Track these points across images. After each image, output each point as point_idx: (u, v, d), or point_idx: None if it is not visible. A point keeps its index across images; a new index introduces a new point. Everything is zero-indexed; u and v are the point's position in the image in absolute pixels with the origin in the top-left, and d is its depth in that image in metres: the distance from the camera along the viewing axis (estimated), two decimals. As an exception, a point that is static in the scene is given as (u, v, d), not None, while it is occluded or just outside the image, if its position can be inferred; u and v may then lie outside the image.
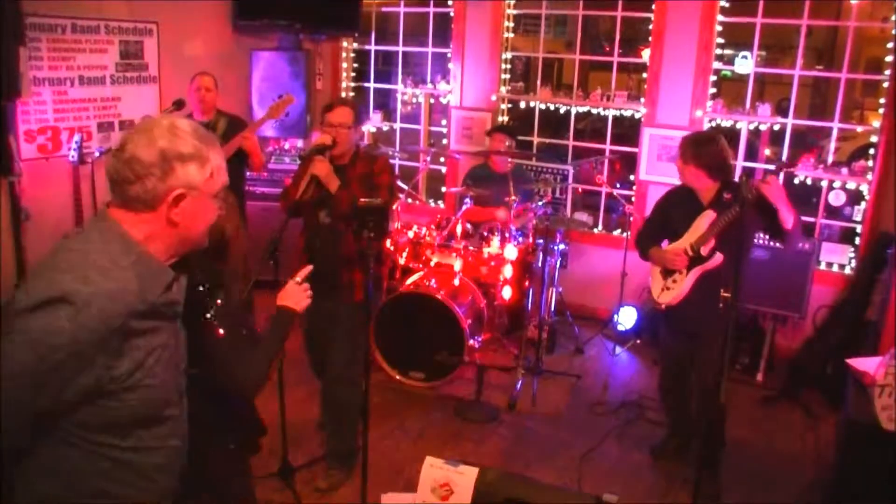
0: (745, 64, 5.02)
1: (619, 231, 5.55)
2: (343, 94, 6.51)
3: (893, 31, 4.52)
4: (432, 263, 4.68)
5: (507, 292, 4.65)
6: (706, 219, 3.28)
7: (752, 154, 5.27)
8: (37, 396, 1.35)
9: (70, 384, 1.36)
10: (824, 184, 4.78)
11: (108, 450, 1.47)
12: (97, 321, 1.36)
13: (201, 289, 2.03)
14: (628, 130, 5.82)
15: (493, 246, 4.64)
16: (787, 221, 3.06)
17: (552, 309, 4.95)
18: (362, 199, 2.73)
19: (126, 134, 1.50)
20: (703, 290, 3.27)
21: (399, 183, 5.05)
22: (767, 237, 4.13)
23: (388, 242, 4.61)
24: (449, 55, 5.93)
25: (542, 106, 5.70)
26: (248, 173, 4.84)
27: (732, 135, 4.87)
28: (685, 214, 3.37)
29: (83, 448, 1.44)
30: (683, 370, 3.54)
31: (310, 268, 2.24)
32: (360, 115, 3.25)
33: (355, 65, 6.59)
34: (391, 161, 4.75)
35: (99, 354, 1.37)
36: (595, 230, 5.63)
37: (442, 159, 6.02)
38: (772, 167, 3.65)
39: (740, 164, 5.05)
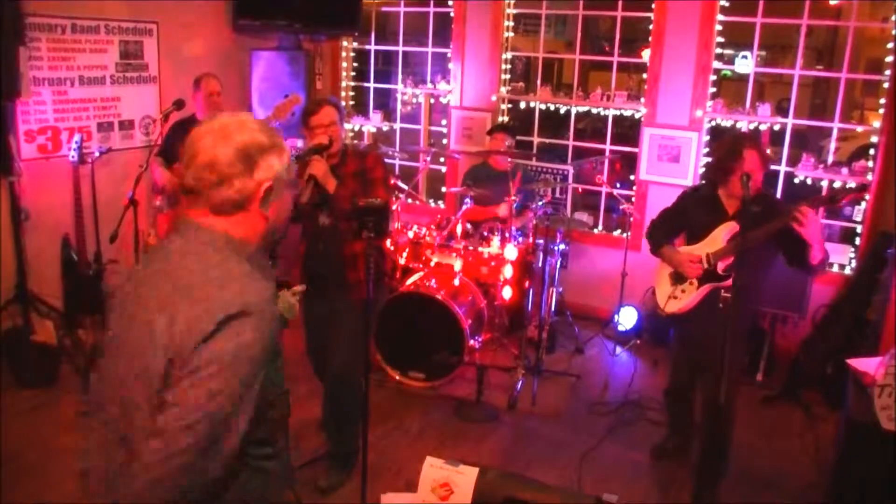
0: (745, 64, 5.02)
1: (619, 231, 5.55)
2: (341, 94, 6.51)
3: (893, 31, 4.52)
4: (432, 263, 4.68)
5: (507, 292, 4.65)
6: (727, 230, 3.13)
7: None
8: (244, 417, 1.34)
9: (254, 396, 1.35)
10: (824, 184, 4.78)
11: (249, 459, 1.44)
12: (270, 326, 1.36)
13: None
14: (628, 130, 5.82)
15: (493, 246, 4.64)
16: (815, 258, 2.90)
17: (552, 309, 4.95)
18: (362, 199, 2.73)
19: (191, 140, 1.42)
20: (712, 303, 3.17)
21: (399, 183, 5.05)
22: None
23: (388, 242, 4.61)
24: (449, 55, 5.93)
25: (543, 106, 5.69)
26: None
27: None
28: (706, 219, 3.21)
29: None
30: (690, 378, 3.52)
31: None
32: (342, 110, 3.26)
33: (355, 64, 6.59)
34: (385, 158, 4.75)
35: (267, 361, 1.38)
36: (595, 230, 5.63)
37: (442, 159, 6.02)
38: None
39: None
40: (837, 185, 4.75)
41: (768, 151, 5.28)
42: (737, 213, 3.13)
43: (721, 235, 3.16)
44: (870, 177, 4.63)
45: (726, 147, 3.11)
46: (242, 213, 1.43)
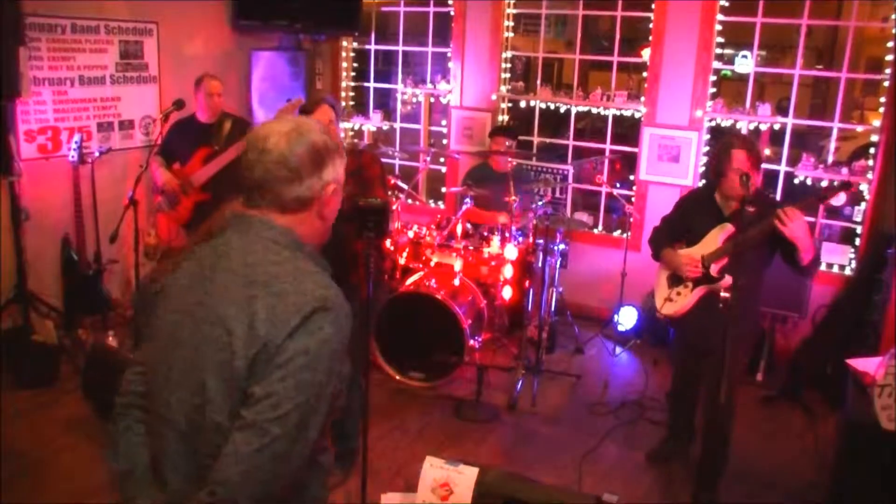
0: (746, 63, 5.01)
1: (619, 231, 5.55)
2: (341, 94, 6.51)
3: (893, 31, 4.52)
4: (432, 263, 4.68)
5: (507, 292, 4.65)
6: (723, 232, 3.15)
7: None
8: (323, 408, 1.37)
9: (331, 388, 1.38)
10: (824, 184, 4.77)
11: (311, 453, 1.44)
12: (346, 321, 1.39)
13: None
14: (628, 130, 5.82)
15: (494, 246, 4.64)
16: (804, 259, 2.92)
17: (552, 309, 4.95)
18: (362, 200, 2.73)
19: (257, 137, 1.43)
20: (708, 307, 3.18)
21: (399, 183, 5.05)
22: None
23: (388, 242, 4.61)
24: (449, 55, 5.93)
25: (543, 105, 5.69)
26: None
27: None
28: (703, 221, 3.24)
29: None
30: (693, 381, 3.52)
31: None
32: (339, 112, 3.26)
33: (355, 64, 6.59)
34: (385, 158, 4.75)
35: (344, 354, 1.41)
36: (595, 230, 5.63)
37: (442, 159, 6.02)
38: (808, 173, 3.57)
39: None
40: (836, 184, 4.74)
41: (767, 152, 5.34)
42: (732, 214, 3.14)
43: (717, 237, 3.17)
44: (870, 176, 4.63)
45: (717, 148, 3.17)
46: (306, 212, 1.46)
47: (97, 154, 4.56)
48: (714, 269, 3.15)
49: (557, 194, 5.58)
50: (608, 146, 5.54)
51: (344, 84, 6.56)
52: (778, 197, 4.95)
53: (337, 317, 1.36)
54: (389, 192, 4.69)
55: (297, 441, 1.33)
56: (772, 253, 3.12)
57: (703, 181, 4.77)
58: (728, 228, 3.13)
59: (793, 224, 2.83)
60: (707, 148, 5.08)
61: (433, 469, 1.86)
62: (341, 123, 3.58)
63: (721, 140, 3.24)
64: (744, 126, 4.97)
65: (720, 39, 4.97)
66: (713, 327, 3.01)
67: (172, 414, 1.40)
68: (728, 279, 3.08)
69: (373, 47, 6.42)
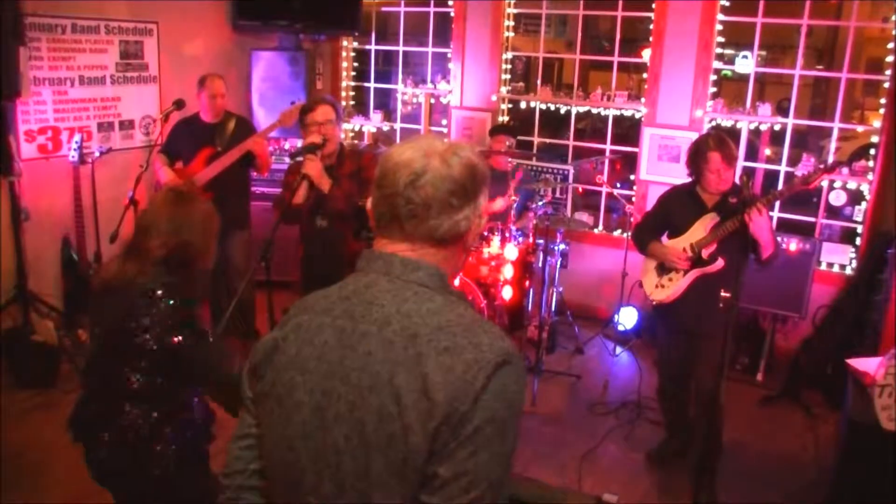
0: (746, 64, 5.01)
1: (619, 231, 5.55)
2: (341, 94, 6.51)
3: (893, 31, 4.52)
4: (432, 263, 4.67)
5: (507, 292, 4.65)
6: (708, 221, 3.30)
7: (752, 154, 5.27)
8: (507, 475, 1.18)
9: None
10: (825, 184, 4.77)
11: None
12: (525, 372, 1.22)
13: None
14: (628, 130, 5.82)
15: (494, 246, 4.64)
16: (764, 253, 3.11)
17: (552, 309, 4.95)
18: (362, 200, 2.73)
19: (412, 155, 1.20)
20: (699, 290, 3.30)
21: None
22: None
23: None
24: (449, 55, 5.93)
25: (543, 106, 5.69)
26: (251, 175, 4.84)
27: (732, 135, 4.86)
28: (687, 214, 3.38)
29: None
30: (682, 373, 3.54)
31: None
32: (339, 109, 3.25)
33: (355, 64, 6.58)
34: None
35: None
36: (595, 230, 5.63)
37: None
38: (792, 170, 3.61)
39: (741, 163, 5.04)
40: (837, 185, 4.75)
41: (767, 152, 5.33)
42: (716, 205, 3.32)
43: (703, 226, 3.32)
44: (870, 176, 4.63)
45: (692, 150, 3.34)
46: (458, 245, 1.26)
47: (97, 154, 4.55)
48: (705, 254, 3.30)
49: (557, 194, 5.58)
50: (608, 146, 5.54)
51: (344, 84, 6.56)
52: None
53: (518, 370, 1.16)
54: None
55: None
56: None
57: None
58: (713, 217, 3.30)
59: (755, 222, 3.00)
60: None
61: (433, 469, 1.86)
62: (342, 124, 3.59)
63: (696, 142, 3.38)
64: (744, 126, 4.97)
65: (720, 39, 4.97)
66: (706, 310, 3.16)
67: (322, 499, 1.18)
68: (721, 262, 3.25)
69: (373, 47, 6.42)
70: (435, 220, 1.19)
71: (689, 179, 3.43)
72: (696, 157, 3.27)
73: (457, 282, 4.46)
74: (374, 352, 1.14)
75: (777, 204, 4.77)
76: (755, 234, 3.01)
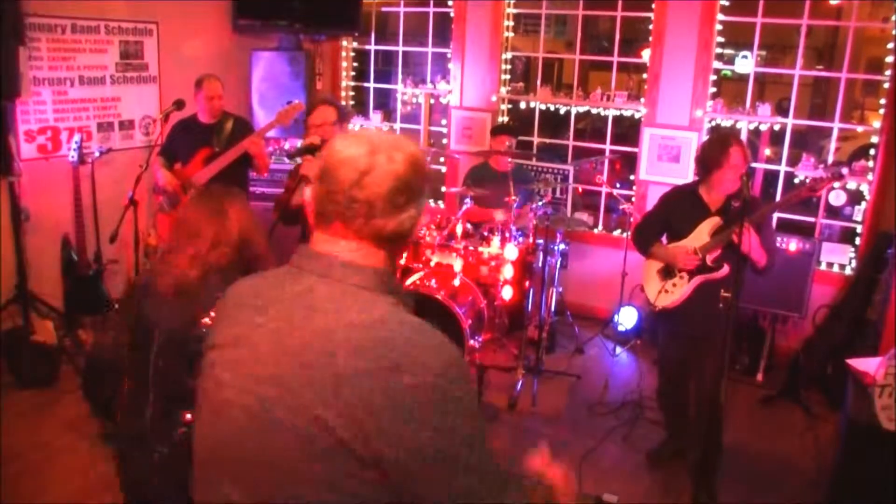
0: (746, 63, 5.01)
1: (619, 231, 5.55)
2: (341, 94, 6.51)
3: (893, 31, 4.52)
4: (432, 263, 4.68)
5: (507, 292, 4.65)
6: (711, 225, 3.26)
7: (752, 154, 5.26)
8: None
9: None
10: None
11: None
12: (467, 380, 1.18)
13: None
14: (628, 130, 5.82)
15: (494, 246, 4.64)
16: (757, 265, 3.13)
17: (552, 309, 4.95)
18: None
19: (358, 151, 1.16)
20: (701, 293, 3.26)
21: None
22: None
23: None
24: (449, 55, 5.93)
25: (543, 106, 5.69)
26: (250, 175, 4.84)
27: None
28: (689, 217, 3.33)
29: None
30: (682, 374, 3.53)
31: None
32: (343, 113, 3.24)
33: (355, 64, 6.58)
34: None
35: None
36: (595, 230, 5.63)
37: (442, 159, 6.02)
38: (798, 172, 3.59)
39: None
40: (837, 185, 4.74)
41: (767, 152, 5.34)
42: (719, 208, 3.28)
43: (705, 230, 3.28)
44: (870, 176, 4.63)
45: (708, 148, 3.27)
46: (399, 245, 1.22)
47: (97, 154, 4.55)
48: (709, 259, 3.26)
49: (557, 194, 5.58)
50: (608, 146, 5.54)
51: (344, 84, 6.56)
52: (778, 197, 4.97)
53: (457, 381, 1.12)
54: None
55: None
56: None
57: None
58: (716, 222, 3.26)
59: (744, 243, 2.97)
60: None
61: (433, 469, 1.85)
62: (347, 124, 3.59)
63: (717, 136, 3.34)
64: (744, 126, 4.98)
65: (720, 39, 4.97)
66: (710, 314, 3.11)
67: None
68: (726, 268, 3.21)
69: (373, 47, 6.42)
70: (380, 219, 1.16)
71: (690, 180, 3.40)
72: (715, 153, 3.16)
73: (456, 281, 4.47)
74: (317, 364, 1.10)
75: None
76: (745, 252, 3.00)
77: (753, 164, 5.12)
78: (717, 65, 5.00)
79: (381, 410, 1.06)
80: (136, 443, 2.12)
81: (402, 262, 4.73)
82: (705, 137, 5.09)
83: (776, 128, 4.95)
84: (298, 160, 3.16)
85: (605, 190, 5.47)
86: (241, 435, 1.15)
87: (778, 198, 4.96)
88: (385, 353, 1.09)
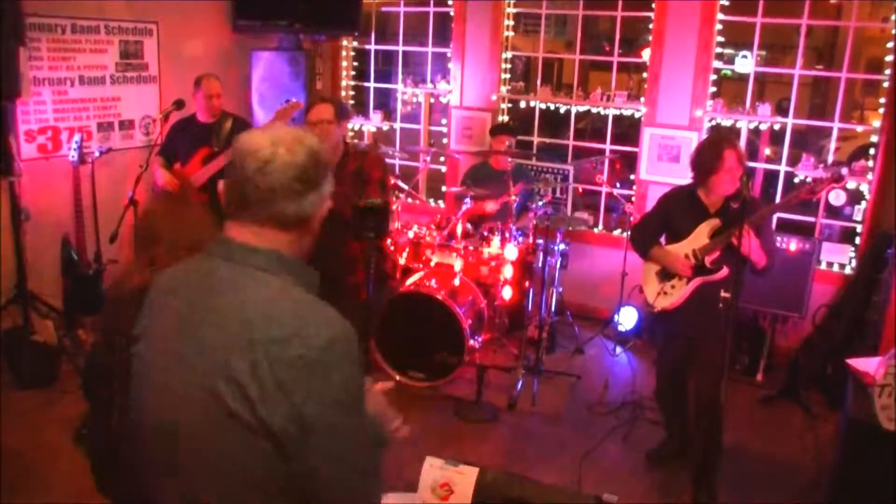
0: (746, 63, 5.01)
1: (619, 231, 5.55)
2: (341, 93, 6.51)
3: (893, 31, 4.52)
4: (432, 263, 4.68)
5: (507, 292, 4.65)
6: (710, 226, 3.24)
7: (752, 154, 5.27)
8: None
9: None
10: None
11: None
12: (356, 344, 1.28)
13: None
14: (628, 130, 5.82)
15: (494, 246, 4.64)
16: (756, 266, 3.13)
17: (552, 309, 4.95)
18: (363, 200, 2.73)
19: (261, 143, 1.28)
20: (700, 295, 3.25)
21: (399, 183, 5.05)
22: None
23: (388, 242, 4.60)
24: (449, 55, 5.93)
25: (543, 106, 5.69)
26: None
27: (732, 135, 4.87)
28: (688, 219, 3.31)
29: None
30: (681, 375, 3.53)
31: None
32: (343, 111, 3.22)
33: (355, 64, 6.59)
34: (385, 158, 4.74)
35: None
36: (595, 230, 5.63)
37: (442, 159, 6.02)
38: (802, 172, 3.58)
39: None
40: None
41: (767, 152, 5.34)
42: (718, 210, 3.27)
43: (704, 232, 3.27)
44: (870, 176, 4.63)
45: (702, 150, 3.26)
46: (303, 229, 1.33)
47: (97, 154, 4.55)
48: (708, 261, 3.25)
49: (557, 194, 5.58)
50: (608, 146, 5.54)
51: (344, 84, 6.56)
52: (778, 197, 4.97)
53: (345, 351, 1.24)
54: (390, 193, 4.69)
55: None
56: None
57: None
58: (715, 223, 3.25)
59: (743, 245, 2.96)
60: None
61: (433, 469, 1.86)
62: (347, 122, 3.56)
63: (709, 140, 3.34)
64: (744, 126, 4.98)
65: (720, 39, 4.97)
66: (707, 316, 3.11)
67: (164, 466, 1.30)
68: (725, 270, 3.20)
69: (373, 47, 6.42)
70: (281, 204, 1.27)
71: (689, 181, 3.38)
72: (709, 156, 3.16)
73: (456, 281, 4.47)
74: (209, 338, 1.22)
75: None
76: (745, 254, 2.99)
77: (754, 164, 5.12)
78: (717, 64, 5.00)
79: (265, 378, 1.17)
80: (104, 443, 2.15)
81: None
82: (704, 137, 5.10)
83: (776, 128, 4.95)
84: None
85: (605, 190, 5.47)
86: (151, 410, 1.30)
87: (778, 198, 4.97)
88: (274, 326, 1.20)
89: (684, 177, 5.01)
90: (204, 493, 1.25)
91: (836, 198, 4.76)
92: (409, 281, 4.52)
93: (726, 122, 5.00)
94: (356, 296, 3.20)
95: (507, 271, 4.59)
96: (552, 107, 5.67)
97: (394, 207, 4.69)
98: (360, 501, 1.28)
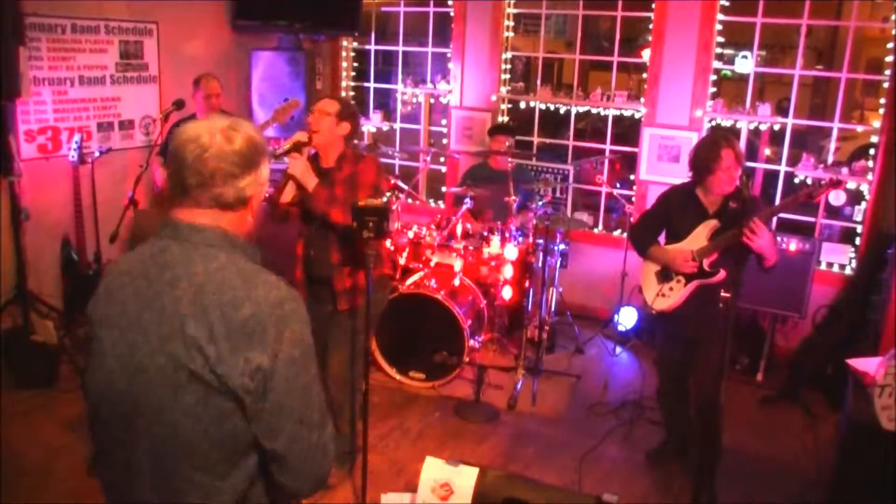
0: (746, 63, 5.01)
1: (619, 231, 5.55)
2: (341, 93, 6.50)
3: (893, 31, 4.52)
4: (432, 263, 4.68)
5: (507, 292, 4.65)
6: (709, 228, 3.22)
7: (752, 154, 5.27)
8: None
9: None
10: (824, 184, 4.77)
11: None
12: (302, 311, 1.42)
13: None
14: (628, 130, 5.82)
15: (493, 246, 4.64)
16: (767, 262, 3.07)
17: (552, 309, 4.95)
18: (362, 200, 2.73)
19: (198, 132, 1.39)
20: (699, 297, 3.24)
21: (399, 183, 5.05)
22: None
23: (388, 243, 4.60)
24: (449, 55, 5.93)
25: (542, 106, 5.69)
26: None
27: (732, 135, 4.86)
28: (687, 219, 3.30)
29: None
30: (681, 375, 3.52)
31: None
32: (347, 112, 3.18)
33: (355, 64, 6.59)
34: (385, 158, 4.73)
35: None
36: (595, 230, 5.63)
37: (442, 159, 6.02)
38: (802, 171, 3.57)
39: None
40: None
41: (767, 152, 5.34)
42: (717, 211, 3.24)
43: (703, 233, 3.24)
44: (870, 176, 4.63)
45: (700, 149, 3.23)
46: (244, 210, 1.45)
47: (97, 154, 4.56)
48: (706, 264, 3.22)
49: (557, 194, 5.58)
50: (608, 146, 5.54)
51: (344, 84, 6.56)
52: (777, 197, 4.97)
53: (294, 310, 1.38)
54: (388, 193, 4.69)
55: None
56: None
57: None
58: (714, 225, 3.22)
59: (758, 239, 2.95)
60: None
61: (433, 469, 1.86)
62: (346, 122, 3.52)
63: (706, 139, 3.30)
64: (744, 126, 4.98)
65: (720, 39, 4.97)
66: (706, 318, 3.09)
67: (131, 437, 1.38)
68: (722, 273, 3.18)
69: (373, 47, 6.42)
70: (220, 187, 1.38)
71: (689, 180, 3.36)
72: (706, 156, 3.14)
73: (456, 281, 4.47)
74: (166, 307, 1.33)
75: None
76: (758, 251, 2.96)
77: (754, 165, 5.12)
78: (717, 65, 5.00)
79: (221, 338, 1.29)
80: None
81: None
82: (702, 137, 5.09)
83: (776, 128, 4.95)
84: (286, 160, 3.12)
85: (605, 190, 5.47)
86: (116, 383, 1.38)
87: (778, 198, 4.97)
88: (226, 290, 1.32)
89: (684, 177, 5.03)
90: (170, 457, 1.34)
91: (836, 198, 4.76)
92: (409, 281, 4.53)
93: (726, 123, 5.00)
94: (353, 299, 3.19)
95: (507, 271, 4.59)
96: (552, 107, 5.67)
97: (394, 207, 4.69)
98: (317, 455, 1.41)
